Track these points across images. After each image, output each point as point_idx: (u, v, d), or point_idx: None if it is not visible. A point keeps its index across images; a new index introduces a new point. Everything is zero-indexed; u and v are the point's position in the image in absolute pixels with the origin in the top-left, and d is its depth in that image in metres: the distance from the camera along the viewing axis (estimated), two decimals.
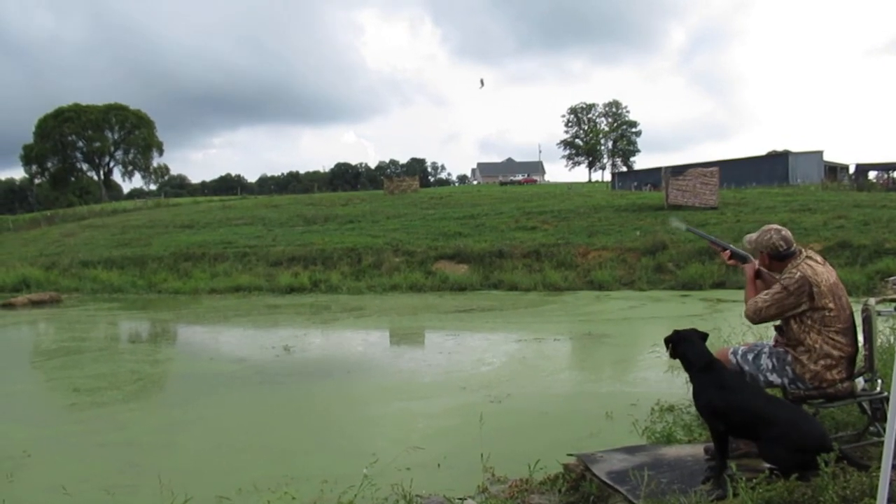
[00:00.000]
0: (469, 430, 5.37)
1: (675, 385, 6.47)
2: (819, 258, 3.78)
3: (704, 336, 3.75)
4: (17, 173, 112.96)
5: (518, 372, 7.94)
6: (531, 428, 5.72)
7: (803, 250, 3.79)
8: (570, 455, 4.22)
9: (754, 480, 3.06)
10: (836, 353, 3.59)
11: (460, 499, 4.06)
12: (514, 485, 4.13)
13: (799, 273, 3.61)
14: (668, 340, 3.78)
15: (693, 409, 5.45)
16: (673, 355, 3.78)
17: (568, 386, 7.36)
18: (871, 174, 40.56)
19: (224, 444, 5.54)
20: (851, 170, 51.80)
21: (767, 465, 3.30)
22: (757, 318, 3.74)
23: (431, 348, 10.00)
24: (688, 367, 3.69)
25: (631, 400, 6.31)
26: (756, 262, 4.00)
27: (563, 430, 5.60)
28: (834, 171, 55.00)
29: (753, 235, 3.90)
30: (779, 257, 3.77)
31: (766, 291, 3.73)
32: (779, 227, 3.85)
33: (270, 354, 9.47)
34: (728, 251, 4.13)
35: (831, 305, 3.59)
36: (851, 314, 3.70)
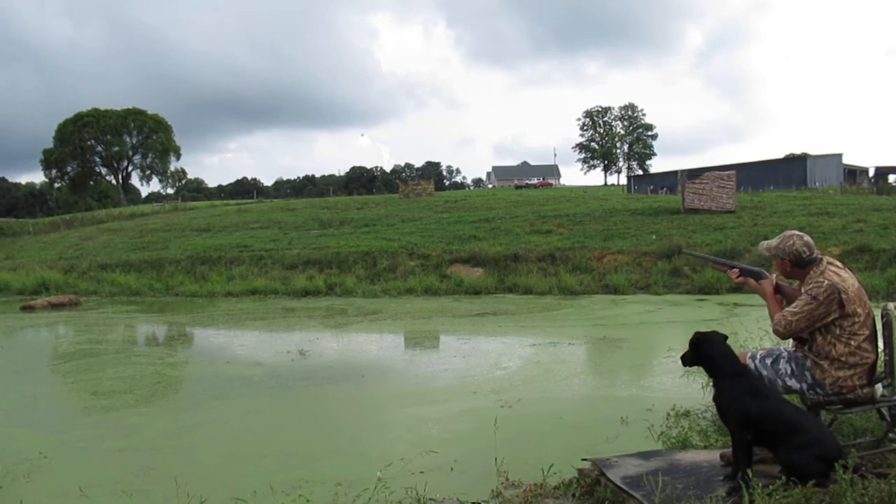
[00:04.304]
0: (483, 435, 5.36)
1: (692, 390, 6.42)
2: (838, 263, 3.72)
3: (725, 337, 3.66)
4: (38, 178, 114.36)
5: (533, 376, 7.92)
6: (546, 432, 5.69)
7: (823, 257, 3.73)
8: (585, 459, 4.20)
9: (770, 487, 3.03)
10: (861, 362, 3.55)
11: (474, 503, 4.06)
12: (528, 489, 4.11)
13: (827, 281, 3.53)
14: (692, 343, 3.65)
15: (709, 415, 5.41)
16: (692, 360, 3.65)
17: (583, 390, 7.32)
18: (892, 177, 40.06)
19: (240, 447, 5.57)
20: (871, 173, 51.30)
21: (784, 472, 3.27)
22: (787, 332, 3.64)
23: (446, 352, 9.99)
24: (716, 371, 3.56)
25: (646, 405, 6.28)
26: (773, 277, 3.93)
27: (578, 434, 5.57)
28: (853, 174, 54.45)
29: (773, 242, 3.80)
30: (801, 264, 3.69)
31: (794, 304, 3.64)
32: (800, 232, 3.76)
33: (286, 358, 9.51)
34: (736, 269, 3.99)
35: (860, 311, 3.53)
36: (873, 320, 3.65)
